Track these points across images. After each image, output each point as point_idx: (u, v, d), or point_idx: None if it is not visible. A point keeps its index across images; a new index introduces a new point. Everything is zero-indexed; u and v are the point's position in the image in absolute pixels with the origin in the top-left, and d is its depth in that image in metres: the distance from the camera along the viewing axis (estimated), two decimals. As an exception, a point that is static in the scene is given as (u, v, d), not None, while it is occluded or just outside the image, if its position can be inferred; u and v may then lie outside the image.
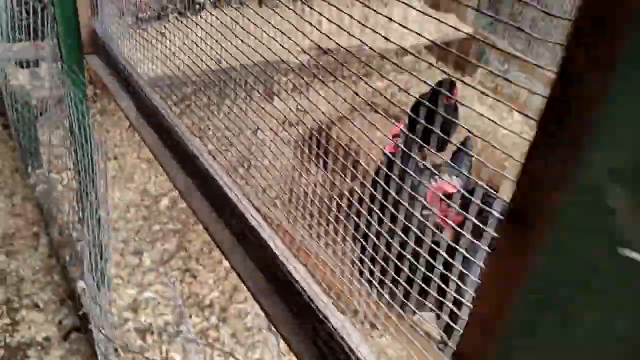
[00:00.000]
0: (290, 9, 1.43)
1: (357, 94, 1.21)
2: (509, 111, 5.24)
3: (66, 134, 2.68)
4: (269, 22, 1.47)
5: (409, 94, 1.35)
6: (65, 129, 2.73)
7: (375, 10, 1.12)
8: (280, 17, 1.47)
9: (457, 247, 1.05)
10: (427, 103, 1.17)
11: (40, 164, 3.39)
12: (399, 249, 1.18)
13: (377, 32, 1.10)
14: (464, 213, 1.05)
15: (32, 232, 3.21)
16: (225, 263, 3.11)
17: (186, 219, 3.43)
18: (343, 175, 1.32)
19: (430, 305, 1.12)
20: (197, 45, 1.79)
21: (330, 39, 1.23)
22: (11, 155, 3.79)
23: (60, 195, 3.25)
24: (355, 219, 1.35)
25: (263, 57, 1.51)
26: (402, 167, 1.15)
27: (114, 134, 4.04)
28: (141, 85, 1.69)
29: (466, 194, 1.17)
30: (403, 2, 1.12)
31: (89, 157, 2.24)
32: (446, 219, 1.78)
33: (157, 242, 3.23)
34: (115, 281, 2.88)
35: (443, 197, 1.64)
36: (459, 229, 1.09)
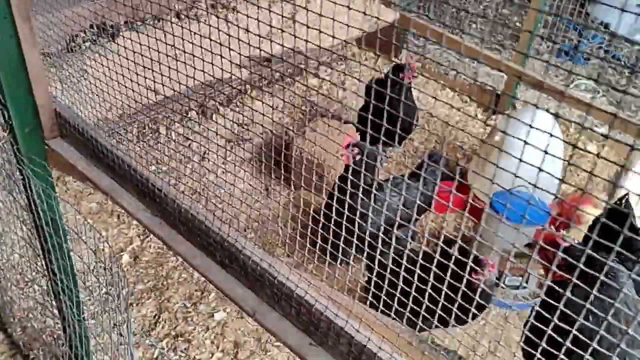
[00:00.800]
0: (215, 27, 1.28)
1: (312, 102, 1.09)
2: (442, 89, 5.30)
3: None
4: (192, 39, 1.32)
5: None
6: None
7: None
8: (201, 35, 1.34)
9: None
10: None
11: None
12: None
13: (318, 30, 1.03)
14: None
15: (-20, 330, 2.73)
16: (217, 316, 2.85)
17: (156, 273, 3.09)
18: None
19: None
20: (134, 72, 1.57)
21: (261, 50, 1.16)
22: None
23: (5, 279, 2.78)
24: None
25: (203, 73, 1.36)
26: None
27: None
28: (142, 174, 1.39)
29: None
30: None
31: (64, 253, 1.89)
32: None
33: (132, 309, 2.88)
34: (100, 369, 2.53)
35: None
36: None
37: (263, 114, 1.39)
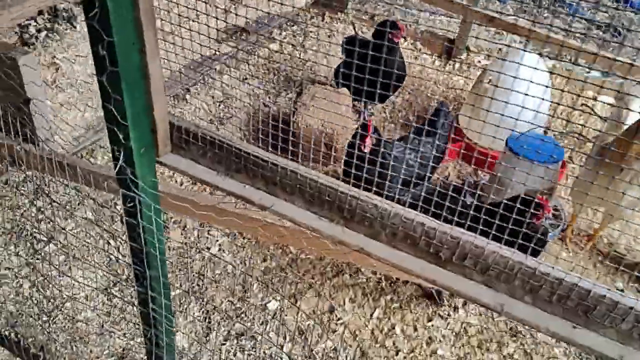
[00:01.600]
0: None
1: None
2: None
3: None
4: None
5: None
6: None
7: None
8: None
9: None
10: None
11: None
12: None
13: None
14: None
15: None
16: (271, 306, 2.75)
17: (187, 275, 2.89)
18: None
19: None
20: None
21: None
22: None
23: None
24: None
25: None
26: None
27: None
28: (315, 178, 1.25)
29: None
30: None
31: (166, 282, 1.71)
32: None
33: (178, 317, 2.68)
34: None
35: None
36: None
37: (240, 91, 1.31)
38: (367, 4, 5.78)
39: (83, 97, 2.87)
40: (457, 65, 4.90)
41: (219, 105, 3.94)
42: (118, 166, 1.38)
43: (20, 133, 2.36)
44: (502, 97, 3.41)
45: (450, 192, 2.65)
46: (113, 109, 1.28)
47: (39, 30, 3.15)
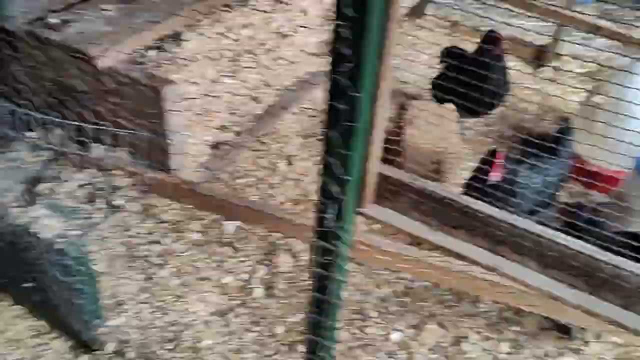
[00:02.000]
0: None
1: None
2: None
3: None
4: None
5: None
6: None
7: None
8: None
9: None
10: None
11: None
12: None
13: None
14: None
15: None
16: (393, 337, 2.64)
17: (301, 302, 2.81)
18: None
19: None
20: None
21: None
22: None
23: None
24: None
25: None
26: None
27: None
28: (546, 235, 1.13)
29: None
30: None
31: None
32: None
33: (298, 345, 2.61)
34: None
35: None
36: None
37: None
38: (441, 9, 5.61)
39: (201, 119, 2.82)
40: (549, 74, 4.68)
41: (311, 121, 3.86)
42: (329, 220, 1.29)
43: (153, 161, 2.33)
44: (621, 113, 3.22)
45: (591, 221, 2.48)
46: (336, 163, 1.19)
47: (147, 49, 3.10)
